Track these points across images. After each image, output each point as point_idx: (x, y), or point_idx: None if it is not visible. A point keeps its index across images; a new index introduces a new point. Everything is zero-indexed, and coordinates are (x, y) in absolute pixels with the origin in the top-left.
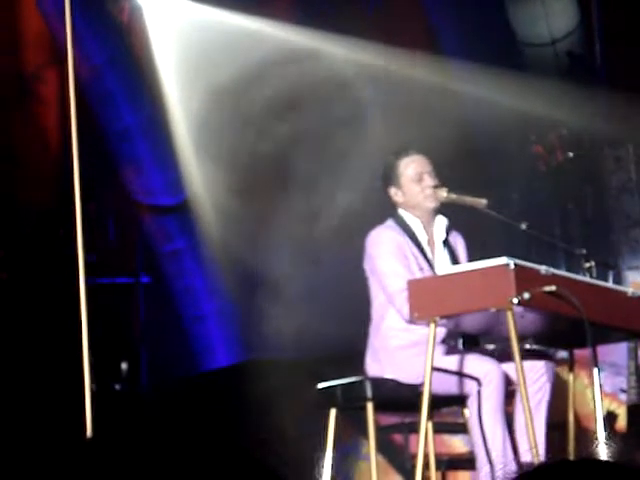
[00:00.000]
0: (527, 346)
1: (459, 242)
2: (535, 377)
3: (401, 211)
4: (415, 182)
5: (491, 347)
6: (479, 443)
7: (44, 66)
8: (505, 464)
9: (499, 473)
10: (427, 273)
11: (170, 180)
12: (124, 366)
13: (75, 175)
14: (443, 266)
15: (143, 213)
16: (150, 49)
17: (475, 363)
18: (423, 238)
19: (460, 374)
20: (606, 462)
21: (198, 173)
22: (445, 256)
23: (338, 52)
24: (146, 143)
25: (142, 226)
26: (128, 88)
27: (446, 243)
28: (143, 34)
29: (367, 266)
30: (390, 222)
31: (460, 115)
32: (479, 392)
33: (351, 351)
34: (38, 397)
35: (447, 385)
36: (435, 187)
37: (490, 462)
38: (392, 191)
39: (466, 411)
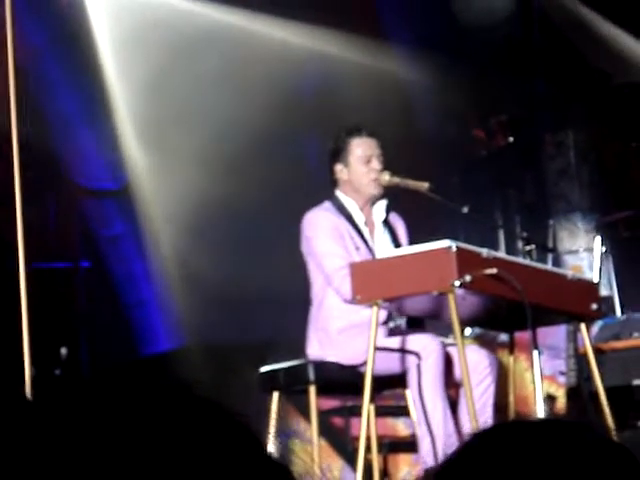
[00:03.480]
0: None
1: (399, 224)
2: (479, 378)
3: (339, 193)
4: (363, 163)
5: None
6: (420, 416)
7: None
8: (447, 436)
9: (441, 447)
10: (364, 252)
11: (110, 164)
12: (64, 351)
13: (15, 157)
14: (383, 246)
15: (83, 197)
16: (90, 30)
17: (414, 339)
18: (360, 219)
19: (399, 350)
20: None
21: (139, 157)
22: (385, 237)
23: (282, 35)
24: (86, 126)
25: (82, 210)
26: (67, 70)
27: (386, 224)
28: (82, 15)
29: (304, 248)
30: (327, 204)
31: (402, 99)
32: (418, 366)
33: (291, 335)
34: None
35: (388, 364)
36: (379, 171)
37: (431, 435)
38: (338, 167)
39: (407, 392)
